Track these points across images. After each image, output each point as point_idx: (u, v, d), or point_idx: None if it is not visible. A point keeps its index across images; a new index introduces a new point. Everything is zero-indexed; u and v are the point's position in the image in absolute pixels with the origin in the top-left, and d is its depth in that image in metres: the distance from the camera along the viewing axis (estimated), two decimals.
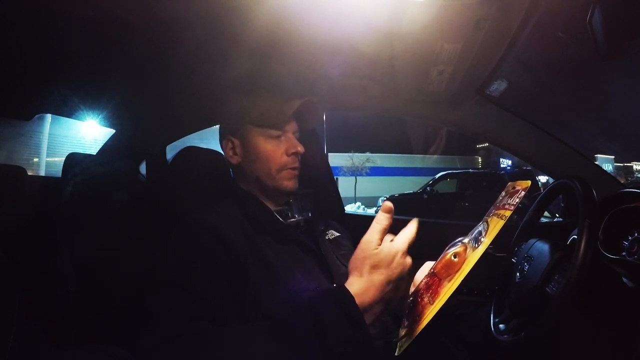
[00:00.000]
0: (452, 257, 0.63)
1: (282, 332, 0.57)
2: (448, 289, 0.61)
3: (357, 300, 0.57)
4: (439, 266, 0.65)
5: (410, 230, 0.62)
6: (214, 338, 0.58)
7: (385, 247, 0.60)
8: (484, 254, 0.60)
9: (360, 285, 0.59)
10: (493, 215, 0.67)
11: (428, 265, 0.75)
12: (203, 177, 0.94)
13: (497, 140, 1.24)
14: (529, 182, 0.66)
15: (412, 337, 0.60)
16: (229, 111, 0.87)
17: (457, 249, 0.64)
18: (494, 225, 0.63)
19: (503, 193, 0.72)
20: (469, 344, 0.99)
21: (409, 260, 0.61)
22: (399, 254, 0.60)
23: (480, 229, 0.66)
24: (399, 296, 0.62)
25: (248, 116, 0.82)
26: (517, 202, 0.64)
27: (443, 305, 0.59)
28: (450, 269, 0.63)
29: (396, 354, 0.60)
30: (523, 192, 0.65)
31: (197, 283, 0.64)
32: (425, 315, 0.61)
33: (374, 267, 0.59)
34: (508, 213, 0.63)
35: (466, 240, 0.66)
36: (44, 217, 0.89)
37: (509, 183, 0.73)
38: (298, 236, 0.80)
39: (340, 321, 0.56)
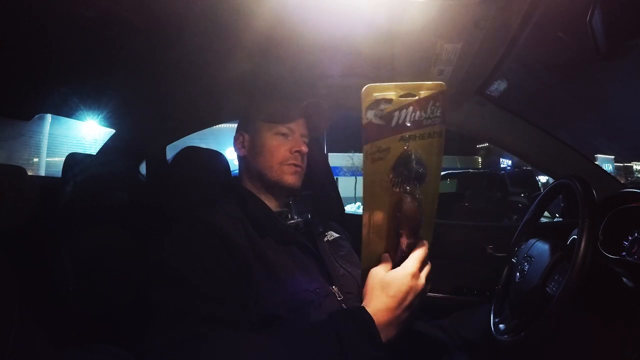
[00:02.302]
0: (416, 212, 0.55)
1: (304, 346, 0.57)
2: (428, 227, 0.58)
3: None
4: (408, 226, 0.56)
5: (420, 252, 0.59)
6: (233, 340, 0.58)
7: (395, 270, 0.59)
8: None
9: (372, 308, 0.58)
10: (416, 139, 0.53)
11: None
12: (203, 177, 0.95)
13: (497, 140, 1.24)
14: (442, 85, 0.53)
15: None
16: (242, 110, 0.92)
17: (414, 203, 0.55)
18: (435, 150, 0.53)
19: (386, 106, 0.52)
20: (469, 344, 0.99)
21: (420, 282, 0.59)
22: (409, 277, 0.57)
23: (415, 167, 0.54)
24: (411, 318, 0.59)
25: (260, 114, 0.87)
26: (441, 113, 0.52)
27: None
28: (416, 216, 0.56)
29: None
30: (442, 102, 0.52)
31: (207, 283, 0.64)
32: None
33: (384, 290, 0.58)
34: (442, 128, 0.52)
35: (408, 189, 0.55)
36: (44, 217, 0.89)
37: (374, 92, 0.53)
38: (297, 237, 0.80)
39: (361, 341, 0.55)
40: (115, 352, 0.53)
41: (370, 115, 0.52)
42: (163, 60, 0.90)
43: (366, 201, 0.56)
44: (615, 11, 0.55)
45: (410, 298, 0.58)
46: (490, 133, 1.24)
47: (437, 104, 0.52)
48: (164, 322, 0.60)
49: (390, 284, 0.58)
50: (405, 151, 0.53)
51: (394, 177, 0.54)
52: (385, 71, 1.00)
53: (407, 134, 0.53)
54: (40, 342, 0.45)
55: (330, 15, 0.74)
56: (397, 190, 0.55)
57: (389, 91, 0.53)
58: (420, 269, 0.59)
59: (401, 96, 0.53)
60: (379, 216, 0.57)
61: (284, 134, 0.85)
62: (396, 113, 0.52)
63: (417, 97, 0.53)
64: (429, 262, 0.61)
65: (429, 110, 0.52)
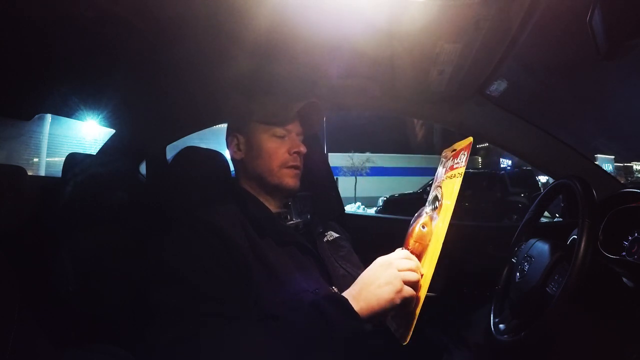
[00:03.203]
0: (422, 228, 0.68)
1: (293, 330, 0.61)
2: (429, 264, 0.64)
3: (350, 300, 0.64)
4: (410, 242, 0.68)
5: (400, 253, 0.68)
6: (231, 338, 0.58)
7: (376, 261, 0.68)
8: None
9: (349, 290, 0.67)
10: (443, 180, 0.71)
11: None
12: (203, 177, 0.94)
13: (497, 140, 1.24)
14: (470, 139, 0.69)
15: (412, 322, 0.63)
16: (235, 109, 0.88)
17: (423, 219, 0.69)
18: (451, 186, 0.67)
19: (443, 160, 0.77)
20: (469, 344, 0.99)
21: (391, 272, 0.64)
22: (383, 266, 0.66)
23: (435, 193, 0.71)
24: (384, 300, 0.63)
25: (254, 115, 0.84)
26: (465, 159, 0.67)
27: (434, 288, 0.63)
28: (423, 239, 0.67)
29: (405, 343, 0.64)
30: (467, 150, 0.68)
31: (207, 283, 0.64)
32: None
33: (363, 275, 0.68)
34: (461, 170, 0.66)
35: (428, 209, 0.70)
36: (44, 217, 0.89)
37: (444, 152, 0.78)
38: (297, 238, 0.80)
39: (339, 314, 0.62)
40: (115, 352, 0.53)
41: (442, 171, 0.76)
42: (163, 60, 0.90)
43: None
44: (615, 11, 0.55)
45: (378, 282, 0.64)
46: (490, 133, 1.24)
47: (465, 152, 0.68)
48: (164, 322, 0.60)
49: (365, 273, 0.68)
50: (436, 187, 0.72)
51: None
52: (385, 71, 1.00)
53: (445, 177, 0.71)
54: (40, 342, 0.45)
55: (331, 16, 0.74)
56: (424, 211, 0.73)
57: (447, 152, 0.76)
58: (396, 264, 0.65)
59: (451, 152, 0.73)
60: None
61: (281, 136, 0.83)
62: (447, 163, 0.74)
63: (455, 151, 0.71)
64: (412, 263, 0.65)
65: (458, 158, 0.69)
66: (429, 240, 0.66)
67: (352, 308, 0.62)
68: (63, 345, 0.48)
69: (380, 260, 0.67)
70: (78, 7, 0.67)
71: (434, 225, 0.67)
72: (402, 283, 0.63)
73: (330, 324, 0.60)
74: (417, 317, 0.62)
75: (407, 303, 0.63)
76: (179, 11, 0.71)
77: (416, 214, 0.74)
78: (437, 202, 0.68)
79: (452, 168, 0.69)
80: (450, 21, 0.74)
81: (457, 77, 0.99)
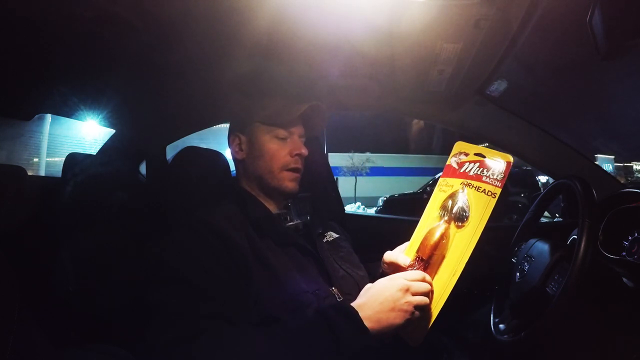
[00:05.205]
0: (442, 240, 0.65)
1: (297, 336, 0.61)
2: (446, 279, 0.63)
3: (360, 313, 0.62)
4: (427, 251, 0.66)
5: (413, 274, 0.64)
6: (232, 339, 0.58)
7: (383, 280, 0.66)
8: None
9: (359, 302, 0.65)
10: (472, 188, 0.67)
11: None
12: (203, 177, 0.94)
13: (497, 140, 1.24)
14: (507, 156, 0.67)
15: (425, 331, 0.63)
16: (237, 109, 0.88)
17: (443, 229, 0.66)
18: (484, 205, 0.64)
19: (457, 155, 0.70)
20: (469, 344, 0.99)
21: (405, 298, 0.62)
22: (393, 288, 0.63)
23: (460, 204, 0.66)
24: (398, 319, 0.62)
25: (257, 115, 0.83)
26: (503, 179, 0.65)
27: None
28: (441, 250, 0.65)
29: (415, 345, 0.64)
30: (506, 165, 0.66)
31: (207, 283, 0.64)
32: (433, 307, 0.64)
33: (373, 294, 0.65)
34: (497, 190, 0.64)
35: (446, 217, 0.67)
36: (44, 217, 0.89)
37: (459, 146, 0.71)
38: (297, 239, 0.80)
39: (349, 330, 0.60)
40: (115, 352, 0.53)
41: (452, 160, 0.71)
42: (163, 60, 0.90)
43: (422, 218, 0.69)
44: (615, 11, 0.55)
45: (393, 305, 0.62)
46: (490, 133, 1.24)
47: (501, 170, 0.66)
48: (164, 322, 0.60)
49: (379, 289, 0.65)
50: (458, 190, 0.67)
51: (442, 207, 0.67)
52: (386, 71, 1.00)
53: (467, 181, 0.67)
54: (40, 342, 0.45)
55: (331, 16, 0.74)
56: (439, 217, 0.67)
57: (469, 149, 0.70)
58: (413, 289, 0.63)
59: (475, 154, 0.69)
60: (419, 232, 0.68)
61: (283, 138, 0.83)
62: (467, 164, 0.69)
63: (485, 158, 0.68)
64: (428, 286, 0.64)
65: (490, 171, 0.66)
66: (446, 251, 0.65)
67: (364, 325, 0.61)
68: (63, 345, 0.48)
69: (399, 283, 0.63)
70: (77, 7, 0.67)
71: (454, 238, 0.65)
72: (414, 308, 0.62)
73: (340, 339, 0.59)
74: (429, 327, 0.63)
75: (417, 322, 0.63)
76: (179, 11, 0.71)
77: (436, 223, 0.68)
78: (465, 215, 0.65)
79: (478, 178, 0.66)
80: (450, 21, 0.74)
81: (457, 77, 0.99)
